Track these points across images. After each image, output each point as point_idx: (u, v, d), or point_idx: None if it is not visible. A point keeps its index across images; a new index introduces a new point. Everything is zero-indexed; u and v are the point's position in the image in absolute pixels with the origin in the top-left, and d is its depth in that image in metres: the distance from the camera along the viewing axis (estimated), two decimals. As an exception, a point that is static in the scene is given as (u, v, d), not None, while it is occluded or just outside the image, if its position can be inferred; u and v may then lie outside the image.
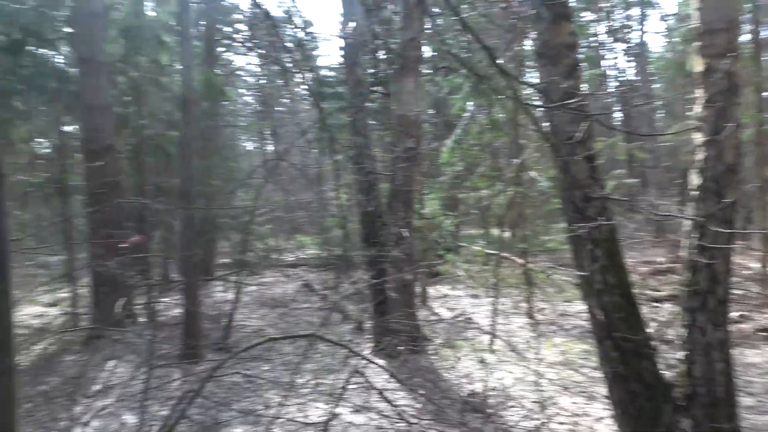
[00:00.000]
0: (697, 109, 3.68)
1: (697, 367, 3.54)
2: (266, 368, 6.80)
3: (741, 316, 7.44)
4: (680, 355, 3.64)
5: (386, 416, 4.77)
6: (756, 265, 9.32)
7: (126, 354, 7.01)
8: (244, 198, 12.06)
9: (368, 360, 4.75)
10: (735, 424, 3.61)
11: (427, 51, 11.98)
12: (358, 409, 5.13)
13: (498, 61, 2.49)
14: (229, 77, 18.27)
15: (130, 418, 5.13)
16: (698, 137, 3.65)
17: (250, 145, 28.19)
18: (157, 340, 7.08)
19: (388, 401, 4.61)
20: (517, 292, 9.71)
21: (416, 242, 8.03)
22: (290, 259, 16.49)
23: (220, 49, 15.02)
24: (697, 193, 3.57)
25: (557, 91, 3.67)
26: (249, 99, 25.48)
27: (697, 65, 3.65)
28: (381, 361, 6.10)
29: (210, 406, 4.82)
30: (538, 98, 3.22)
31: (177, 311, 8.52)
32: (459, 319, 8.87)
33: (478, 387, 5.50)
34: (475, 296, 10.59)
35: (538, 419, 4.93)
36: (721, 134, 3.42)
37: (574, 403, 5.28)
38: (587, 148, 3.76)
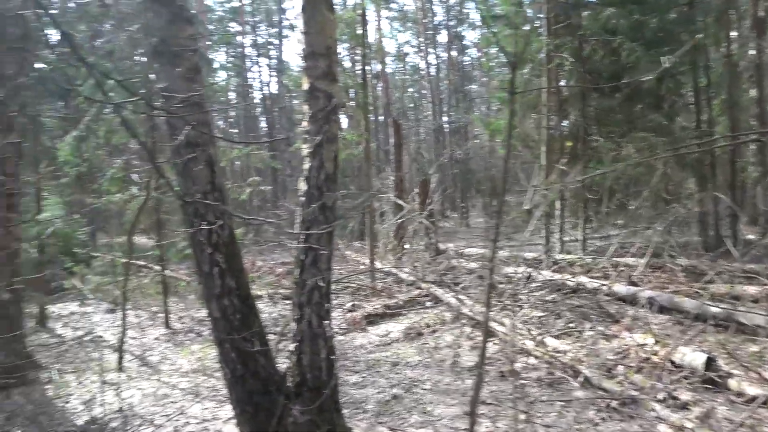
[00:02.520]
0: (304, 123, 4.07)
1: (305, 356, 3.90)
2: None
3: (353, 305, 8.66)
4: (292, 347, 3.96)
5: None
6: (367, 261, 11.00)
7: None
8: None
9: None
10: (336, 400, 4.11)
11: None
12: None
13: (82, 55, 2.23)
14: None
15: None
16: (305, 148, 4.04)
17: None
18: None
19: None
20: (153, 303, 9.23)
21: (23, 254, 6.81)
22: None
23: None
24: (303, 198, 3.94)
25: (174, 94, 3.59)
26: None
27: (304, 84, 4.05)
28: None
29: None
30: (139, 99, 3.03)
31: None
32: (84, 338, 7.90)
33: (99, 412, 4.95)
34: (110, 311, 9.65)
35: (164, 434, 4.72)
36: (320, 146, 3.85)
37: (205, 408, 5.24)
38: (207, 155, 3.77)
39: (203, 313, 9.03)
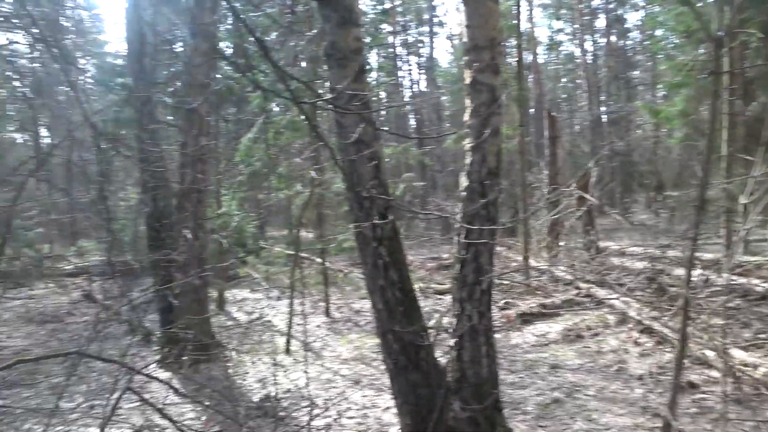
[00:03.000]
0: (466, 117, 4.04)
1: (465, 352, 3.89)
2: (27, 395, 5.89)
3: (506, 303, 8.47)
4: (452, 342, 3.96)
5: (169, 433, 4.42)
6: (520, 258, 10.69)
7: None
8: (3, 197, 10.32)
9: (146, 375, 4.33)
10: (497, 399, 4.04)
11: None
12: (138, 430, 4.68)
13: (274, 59, 2.41)
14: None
15: None
16: (467, 143, 4.01)
17: (18, 136, 24.47)
18: None
19: (168, 418, 4.27)
20: (316, 292, 9.83)
21: (210, 244, 7.64)
22: (68, 267, 14.61)
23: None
24: (464, 193, 3.92)
25: (343, 94, 3.76)
26: (17, 83, 22.04)
27: (466, 78, 4.02)
28: (166, 374, 5.66)
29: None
30: (318, 98, 3.22)
31: None
32: (256, 322, 8.66)
33: (271, 391, 5.39)
34: (275, 298, 10.48)
35: (329, 416, 5.00)
36: (483, 141, 3.80)
37: (365, 396, 5.47)
38: (372, 151, 3.91)
39: (360, 304, 9.48)
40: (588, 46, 28.25)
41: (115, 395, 3.62)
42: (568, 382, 5.48)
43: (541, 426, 4.52)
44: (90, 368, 6.31)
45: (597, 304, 7.95)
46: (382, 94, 32.72)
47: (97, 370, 6.31)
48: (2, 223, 8.30)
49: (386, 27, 32.47)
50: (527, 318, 7.80)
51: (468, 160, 3.96)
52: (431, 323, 5.53)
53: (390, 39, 32.49)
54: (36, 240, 12.19)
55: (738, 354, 5.24)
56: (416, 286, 9.67)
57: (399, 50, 33.20)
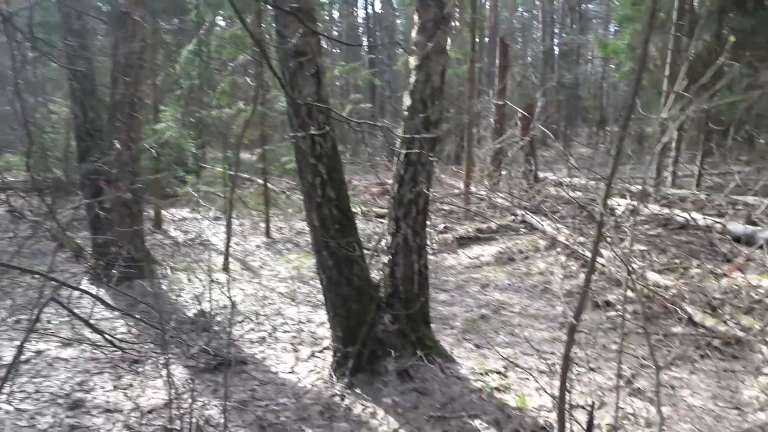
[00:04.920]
0: (413, 34, 3.94)
1: (398, 268, 3.99)
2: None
3: (445, 227, 8.68)
4: (386, 259, 4.05)
5: (99, 346, 4.41)
6: (462, 185, 10.87)
7: None
8: None
9: (71, 287, 4.25)
10: (426, 314, 4.21)
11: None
12: (68, 343, 4.64)
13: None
14: None
15: None
16: (412, 61, 3.93)
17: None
18: None
19: (97, 330, 4.26)
20: (257, 213, 9.75)
21: (143, 158, 7.36)
22: (-7, 181, 13.83)
23: None
24: (406, 112, 3.88)
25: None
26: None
27: (414, -6, 3.88)
28: (97, 290, 5.58)
29: None
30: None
31: None
32: (194, 241, 8.56)
33: (206, 307, 5.41)
34: (215, 218, 10.34)
35: (264, 330, 5.10)
36: (428, 58, 3.73)
37: (300, 312, 5.58)
38: (314, 64, 3.76)
39: (302, 225, 9.48)
40: (545, -26, 27.75)
41: (39, 307, 3.55)
42: (495, 300, 5.76)
43: (466, 339, 4.76)
44: (16, 283, 6.14)
45: (530, 230, 8.26)
46: (335, 13, 31.40)
47: (25, 284, 6.15)
48: None
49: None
50: (464, 242, 8.05)
51: (412, 78, 3.90)
52: (372, 245, 5.63)
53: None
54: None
55: (653, 277, 5.61)
56: (358, 209, 9.75)
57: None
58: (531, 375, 3.75)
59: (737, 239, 6.81)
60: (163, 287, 6.39)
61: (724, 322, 4.51)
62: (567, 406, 2.40)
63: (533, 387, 3.79)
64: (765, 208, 7.49)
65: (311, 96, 3.76)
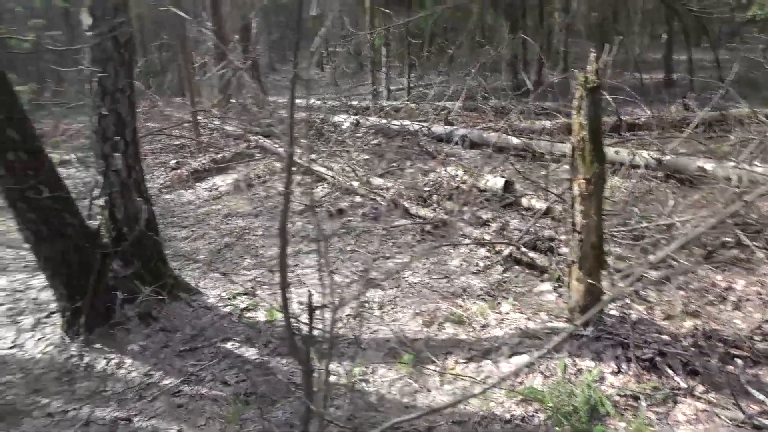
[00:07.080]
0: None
1: (118, 210, 3.68)
2: None
3: (177, 162, 8.23)
4: (101, 201, 3.69)
5: None
6: (190, 117, 10.29)
7: None
8: None
9: None
10: (160, 251, 4.01)
11: None
12: None
13: None
14: None
15: None
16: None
17: None
18: None
19: None
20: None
21: None
22: None
23: None
24: (89, 32, 3.44)
25: None
26: None
27: None
28: None
29: None
30: None
31: None
32: None
33: None
34: None
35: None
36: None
37: (14, 280, 4.83)
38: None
39: None
40: None
41: None
42: (238, 228, 5.77)
43: (212, 270, 4.72)
44: None
45: (265, 154, 8.34)
46: None
47: None
48: None
49: None
50: (200, 175, 7.76)
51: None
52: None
53: None
54: None
55: (376, 181, 6.22)
56: (74, 155, 8.58)
57: None
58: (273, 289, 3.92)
59: (440, 139, 7.90)
60: None
61: (433, 210, 5.28)
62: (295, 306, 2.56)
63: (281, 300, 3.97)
64: (456, 110, 8.77)
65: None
